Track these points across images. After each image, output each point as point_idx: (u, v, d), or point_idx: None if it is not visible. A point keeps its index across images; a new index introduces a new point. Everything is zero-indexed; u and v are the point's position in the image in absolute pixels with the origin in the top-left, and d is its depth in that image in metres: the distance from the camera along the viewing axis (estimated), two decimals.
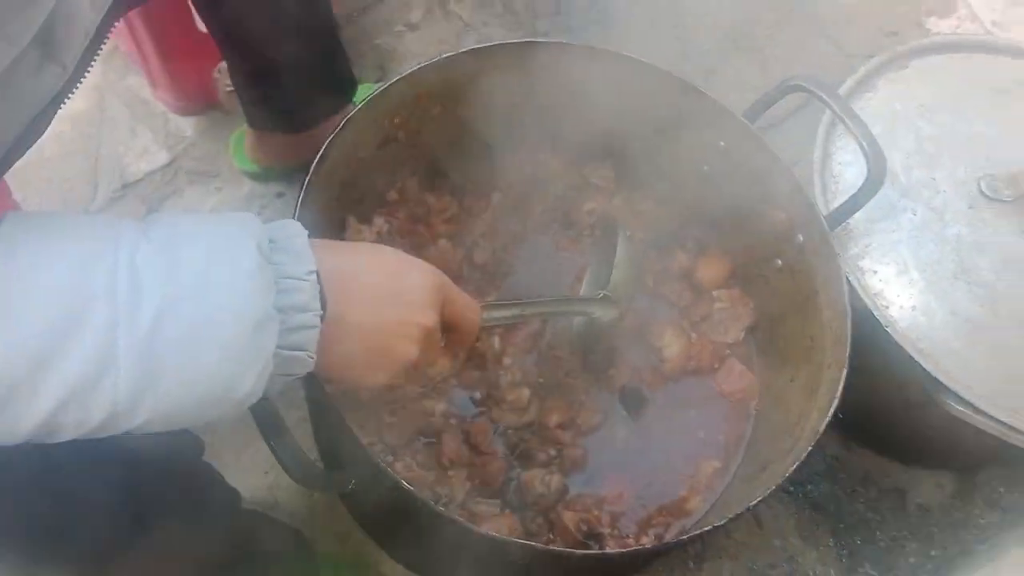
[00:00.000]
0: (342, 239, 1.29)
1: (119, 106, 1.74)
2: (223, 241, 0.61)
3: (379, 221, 1.32)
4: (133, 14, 1.47)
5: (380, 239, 1.31)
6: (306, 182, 1.04)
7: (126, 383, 0.55)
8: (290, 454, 0.81)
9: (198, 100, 1.71)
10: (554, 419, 1.24)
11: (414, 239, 1.35)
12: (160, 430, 0.60)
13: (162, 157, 1.68)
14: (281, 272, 0.63)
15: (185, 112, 1.72)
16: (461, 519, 0.92)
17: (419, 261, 0.78)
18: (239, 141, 1.66)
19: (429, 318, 0.75)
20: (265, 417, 0.81)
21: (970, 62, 1.36)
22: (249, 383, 0.60)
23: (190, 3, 1.34)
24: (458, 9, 1.92)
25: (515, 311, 1.07)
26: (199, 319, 0.57)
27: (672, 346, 1.30)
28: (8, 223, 0.56)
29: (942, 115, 1.28)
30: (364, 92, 1.72)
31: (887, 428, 1.42)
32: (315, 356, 0.65)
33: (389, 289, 0.73)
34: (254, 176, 1.67)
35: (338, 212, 1.28)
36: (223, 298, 0.58)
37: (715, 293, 1.35)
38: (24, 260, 0.54)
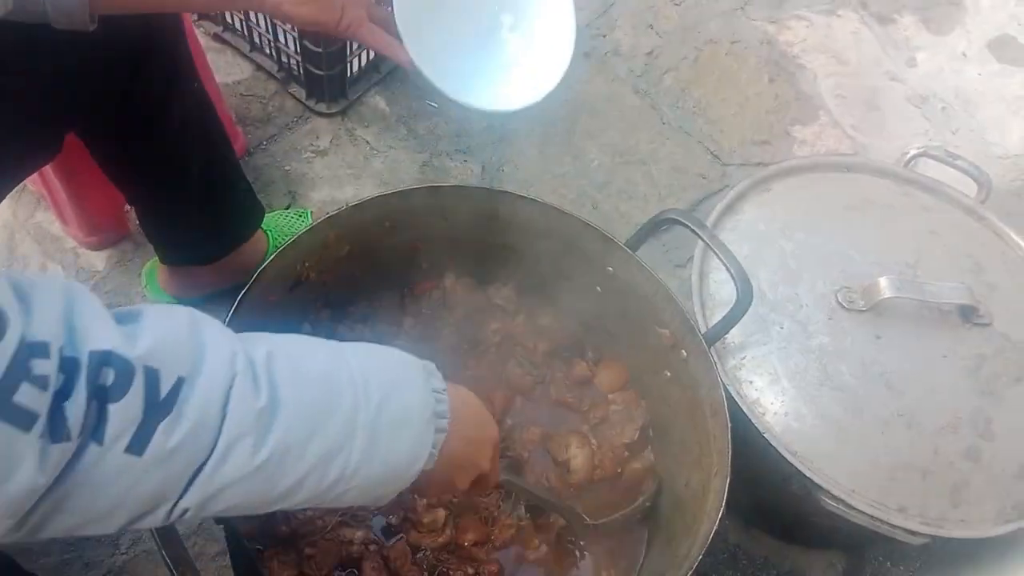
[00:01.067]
0: None
1: (29, 243, 1.76)
2: (398, 355, 0.82)
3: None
4: None
5: None
6: None
7: (358, 452, 0.71)
8: None
9: (109, 234, 1.75)
10: (469, 537, 1.31)
11: None
12: (359, 502, 0.77)
13: None
14: (432, 384, 0.81)
15: (96, 247, 1.76)
16: None
17: (484, 410, 0.96)
18: (152, 273, 1.71)
19: (498, 442, 0.97)
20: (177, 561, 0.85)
21: (825, 181, 1.53)
22: (421, 463, 0.78)
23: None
24: (364, 135, 2.03)
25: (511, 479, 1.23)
26: (401, 409, 0.76)
27: (577, 457, 1.39)
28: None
29: (801, 233, 1.43)
30: (274, 219, 1.80)
31: (779, 516, 1.53)
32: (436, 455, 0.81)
33: (481, 416, 0.94)
34: None
35: None
36: (412, 396, 0.77)
37: (611, 396, 1.45)
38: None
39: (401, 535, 1.30)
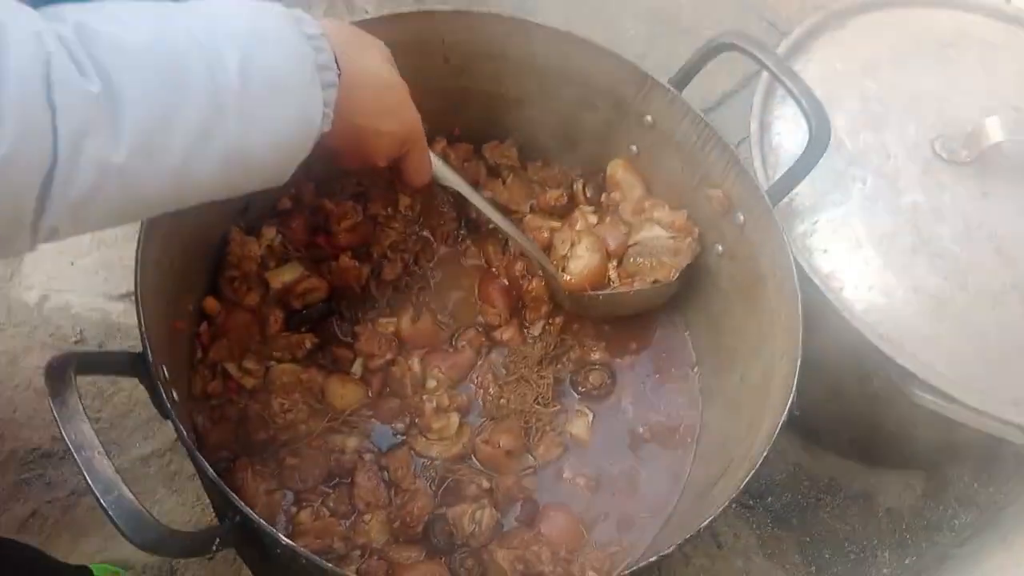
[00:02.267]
0: (223, 255, 1.13)
1: None
2: (250, 4, 0.69)
3: (269, 232, 1.16)
4: None
5: (270, 255, 1.15)
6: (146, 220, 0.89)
7: (235, 130, 0.63)
8: (125, 512, 0.64)
9: None
10: (503, 441, 1.09)
11: (312, 253, 1.19)
12: (262, 184, 0.72)
13: None
14: (306, 31, 0.70)
15: None
16: None
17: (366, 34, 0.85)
18: None
19: (405, 88, 0.87)
20: (95, 471, 0.64)
21: (911, 17, 1.25)
22: (316, 128, 0.70)
23: None
24: (363, 3, 1.77)
25: (469, 191, 1.07)
26: (270, 69, 0.65)
27: (582, 258, 1.15)
28: None
29: (887, 72, 1.17)
30: None
31: (849, 426, 1.29)
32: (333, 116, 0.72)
33: (376, 57, 0.83)
34: None
35: (217, 224, 1.12)
36: (281, 51, 0.67)
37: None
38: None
39: (403, 439, 1.09)
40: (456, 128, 1.25)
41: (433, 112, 1.12)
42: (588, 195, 1.23)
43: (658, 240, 1.10)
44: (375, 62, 0.82)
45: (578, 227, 1.15)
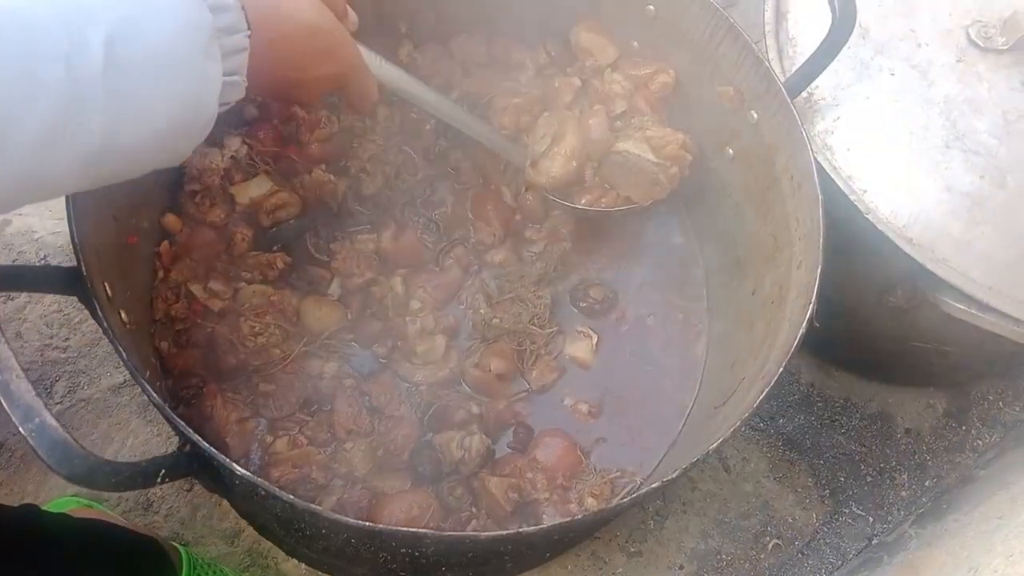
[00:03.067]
0: (182, 167, 1.03)
1: None
2: None
3: (234, 143, 1.06)
4: None
5: (236, 167, 1.05)
6: None
7: (100, 119, 0.53)
8: (48, 441, 0.55)
9: None
10: (494, 365, 1.01)
11: (282, 166, 1.09)
12: (157, 164, 0.61)
13: None
14: None
15: None
16: (328, 513, 0.68)
17: None
18: None
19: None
20: (13, 396, 0.56)
21: None
22: (213, 105, 0.60)
23: None
24: None
25: (420, 92, 0.96)
26: (151, 44, 0.55)
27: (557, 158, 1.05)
28: None
29: None
30: None
31: (868, 342, 1.20)
32: (247, 81, 0.63)
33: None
34: None
35: None
36: (167, 20, 0.56)
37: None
38: None
39: (385, 362, 1.01)
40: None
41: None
42: (553, 55, 1.13)
43: (642, 162, 0.99)
44: (298, 4, 0.71)
45: (563, 116, 1.03)
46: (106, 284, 0.75)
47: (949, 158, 0.92)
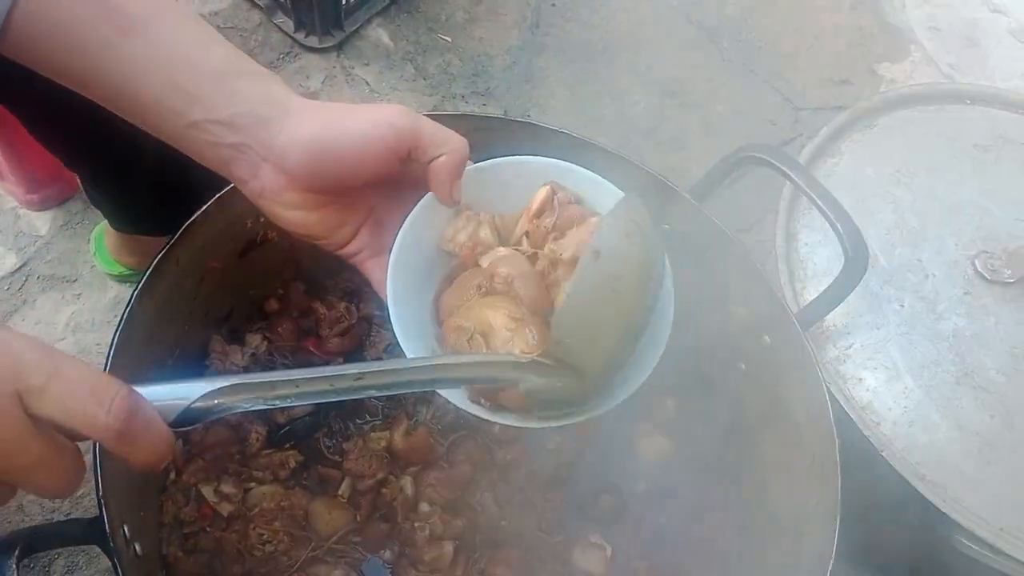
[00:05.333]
0: (204, 366, 1.04)
1: None
2: None
3: (254, 339, 1.07)
4: None
5: (255, 364, 1.06)
6: (125, 313, 0.80)
7: None
8: None
9: (53, 191, 1.45)
10: (500, 573, 1.00)
11: (299, 358, 1.10)
12: None
13: (10, 261, 1.42)
14: None
15: (38, 206, 1.46)
16: None
17: None
18: (101, 238, 1.41)
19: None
20: None
21: (944, 115, 1.17)
22: None
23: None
24: (363, 74, 1.70)
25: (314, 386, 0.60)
26: None
27: None
28: None
29: (922, 179, 1.08)
30: None
31: (894, 556, 1.18)
32: None
33: None
34: (121, 278, 1.41)
35: (199, 332, 1.03)
36: None
37: None
38: None
39: (394, 573, 1.00)
40: None
41: None
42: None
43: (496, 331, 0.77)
44: None
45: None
46: (124, 527, 0.75)
47: (959, 395, 0.94)
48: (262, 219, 0.98)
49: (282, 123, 0.64)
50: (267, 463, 1.03)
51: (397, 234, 0.71)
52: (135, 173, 1.15)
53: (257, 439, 1.03)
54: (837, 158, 1.11)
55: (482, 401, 0.66)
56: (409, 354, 0.65)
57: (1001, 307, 0.99)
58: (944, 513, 0.89)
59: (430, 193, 0.70)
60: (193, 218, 0.88)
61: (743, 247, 0.95)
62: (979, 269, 1.00)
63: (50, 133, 1.08)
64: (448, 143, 0.66)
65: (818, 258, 1.03)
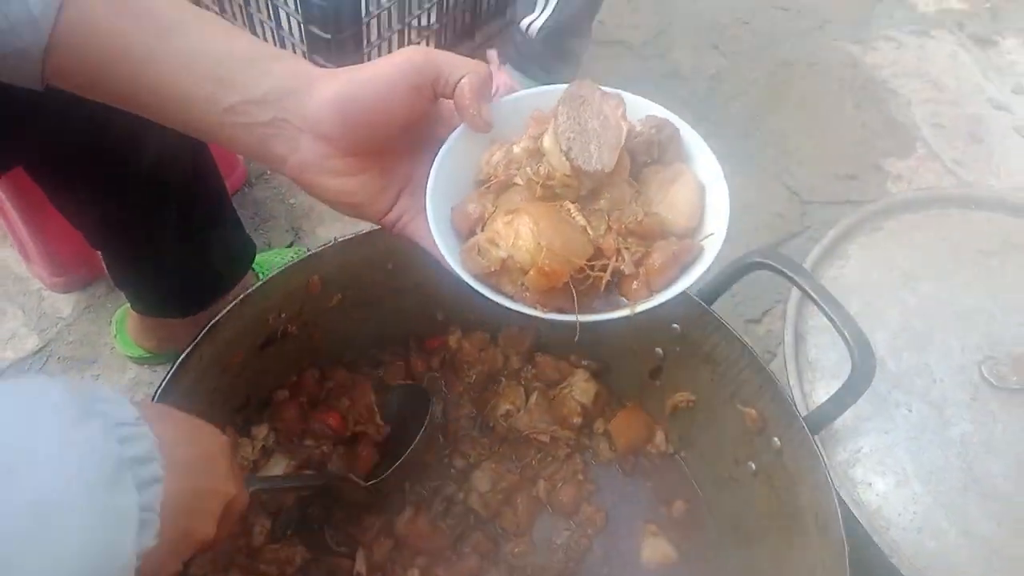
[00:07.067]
0: None
1: None
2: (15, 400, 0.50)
3: (261, 431, 1.08)
4: None
5: (263, 455, 1.08)
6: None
7: None
8: None
9: (77, 274, 1.49)
10: None
11: (306, 445, 1.11)
12: None
13: (32, 342, 1.44)
14: (111, 419, 0.52)
15: (63, 288, 1.49)
16: None
17: (205, 424, 0.69)
18: (123, 321, 1.44)
19: (232, 487, 0.68)
20: None
21: (950, 220, 1.20)
22: (125, 554, 0.49)
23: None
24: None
25: None
26: (34, 489, 0.46)
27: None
28: None
29: (928, 284, 1.11)
30: (270, 259, 1.52)
31: None
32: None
33: (199, 454, 0.63)
34: (140, 361, 1.44)
35: (214, 420, 1.04)
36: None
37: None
38: None
39: None
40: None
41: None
42: None
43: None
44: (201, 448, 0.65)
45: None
46: None
47: (967, 501, 0.94)
48: (283, 314, 1.02)
49: (310, 91, 0.66)
50: (273, 558, 1.03)
51: (431, 167, 0.70)
52: (158, 253, 1.18)
53: (261, 531, 1.04)
54: (844, 260, 1.14)
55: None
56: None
57: (1007, 413, 0.99)
58: None
59: (462, 124, 0.71)
60: (218, 317, 0.90)
61: (751, 351, 0.97)
62: (985, 375, 1.02)
63: (70, 201, 1.12)
64: (467, 65, 0.67)
65: (827, 360, 1.05)
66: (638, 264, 0.68)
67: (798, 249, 1.70)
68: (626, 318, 0.68)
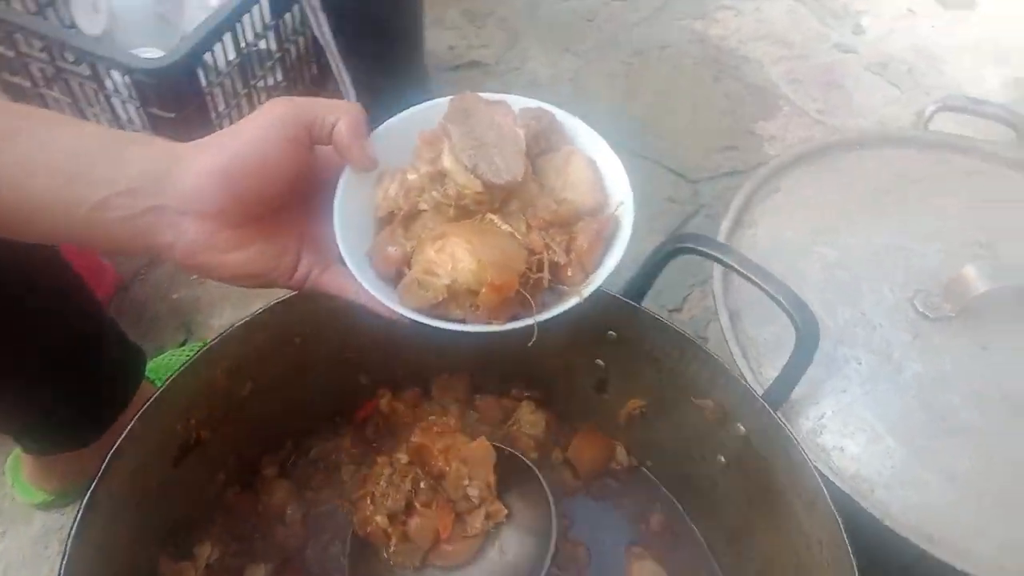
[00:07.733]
0: None
1: None
2: None
3: (204, 551, 0.98)
4: None
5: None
6: (62, 564, 0.72)
7: None
8: None
9: None
10: None
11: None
12: None
13: None
14: None
15: None
16: None
17: None
18: (16, 468, 1.29)
19: None
20: None
21: (840, 165, 1.20)
22: None
23: None
24: None
25: None
26: None
27: None
28: None
29: (839, 234, 1.10)
30: (165, 363, 1.40)
31: None
32: None
33: None
34: (46, 506, 1.29)
35: (142, 553, 0.94)
36: None
37: None
38: None
39: None
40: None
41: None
42: None
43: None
44: None
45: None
46: None
47: (937, 444, 0.92)
48: (192, 420, 0.92)
49: (180, 169, 0.61)
50: None
51: (333, 220, 0.68)
52: (33, 388, 1.06)
53: None
54: (753, 229, 1.12)
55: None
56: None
57: (950, 341, 0.99)
58: (962, 572, 0.86)
59: (347, 166, 0.69)
60: (118, 443, 0.80)
61: (693, 341, 0.93)
62: (920, 309, 1.01)
63: None
64: (339, 107, 0.66)
65: (767, 334, 1.02)
66: (568, 251, 0.70)
67: (700, 228, 1.70)
68: (577, 306, 0.69)
